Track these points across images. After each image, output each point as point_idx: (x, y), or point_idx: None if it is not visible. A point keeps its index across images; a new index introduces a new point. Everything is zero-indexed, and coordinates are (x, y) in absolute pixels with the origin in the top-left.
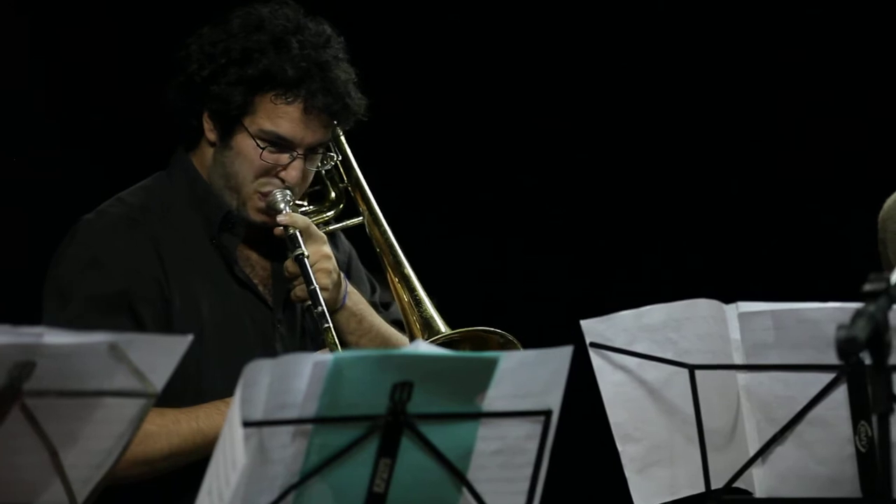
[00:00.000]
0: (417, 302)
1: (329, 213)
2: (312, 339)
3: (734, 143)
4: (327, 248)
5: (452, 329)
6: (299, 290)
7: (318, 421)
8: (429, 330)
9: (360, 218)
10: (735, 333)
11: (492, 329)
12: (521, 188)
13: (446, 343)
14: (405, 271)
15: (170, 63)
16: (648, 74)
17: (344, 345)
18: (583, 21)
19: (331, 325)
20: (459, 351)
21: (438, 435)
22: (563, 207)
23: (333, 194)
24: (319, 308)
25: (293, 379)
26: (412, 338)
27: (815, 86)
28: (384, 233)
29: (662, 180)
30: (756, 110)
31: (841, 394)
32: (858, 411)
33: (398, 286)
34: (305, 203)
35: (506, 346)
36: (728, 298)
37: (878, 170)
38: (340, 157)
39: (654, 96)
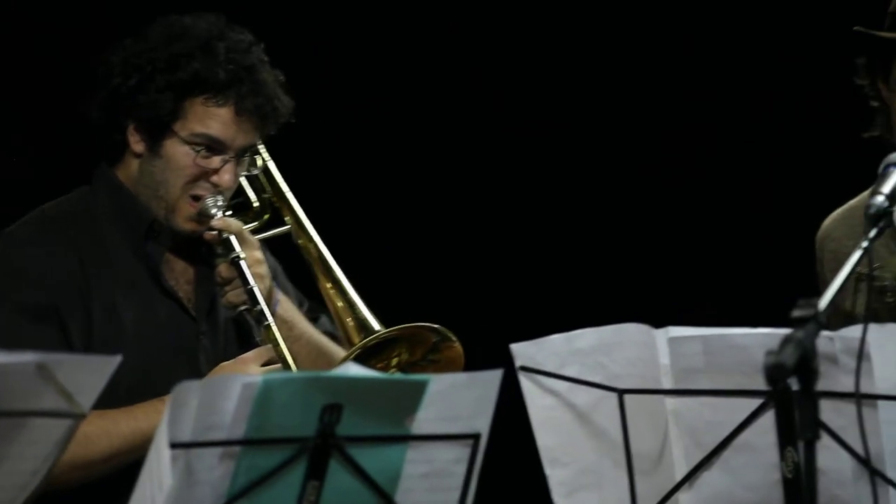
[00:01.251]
0: (351, 305)
1: (253, 224)
2: (235, 350)
3: (664, 165)
4: (260, 254)
5: (387, 328)
6: (232, 296)
7: (246, 443)
8: (364, 331)
9: (287, 227)
10: (665, 358)
11: (427, 325)
12: (451, 204)
13: (383, 343)
14: (336, 276)
15: (90, 79)
16: (570, 92)
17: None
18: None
19: (272, 321)
20: (396, 349)
21: (367, 457)
22: (495, 230)
23: (257, 205)
24: (258, 307)
25: (222, 400)
26: (349, 340)
27: (748, 107)
28: (312, 240)
29: (592, 203)
30: (681, 125)
31: (768, 419)
32: (785, 437)
33: (330, 292)
34: (230, 213)
35: (442, 341)
36: (658, 323)
37: (811, 191)
38: (266, 162)
39: (578, 109)
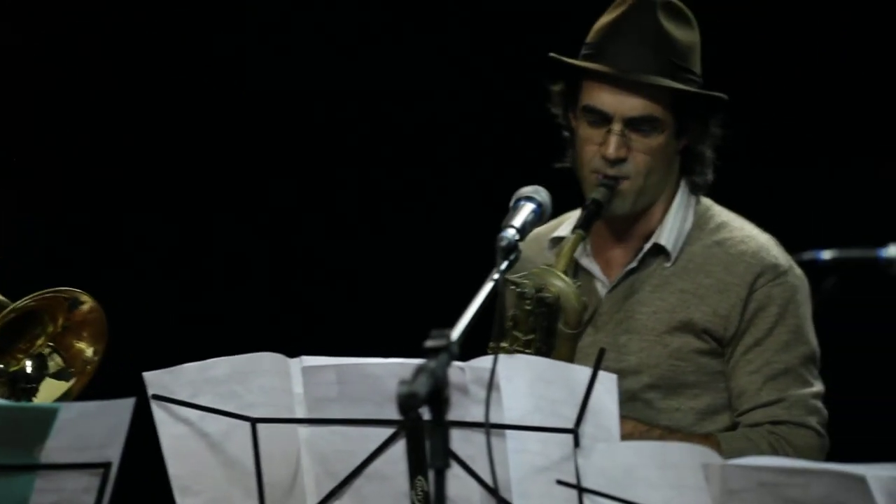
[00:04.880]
0: None
1: None
2: None
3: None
4: None
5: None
6: None
7: None
8: None
9: None
10: (298, 387)
11: (57, 289)
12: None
13: (23, 321)
14: None
15: None
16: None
17: None
18: None
19: None
20: (38, 326)
21: None
22: (160, 252)
23: None
24: None
25: None
26: None
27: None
28: None
29: (228, 225)
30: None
31: (400, 448)
32: (416, 466)
33: None
34: None
35: (74, 305)
36: (293, 352)
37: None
38: None
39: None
